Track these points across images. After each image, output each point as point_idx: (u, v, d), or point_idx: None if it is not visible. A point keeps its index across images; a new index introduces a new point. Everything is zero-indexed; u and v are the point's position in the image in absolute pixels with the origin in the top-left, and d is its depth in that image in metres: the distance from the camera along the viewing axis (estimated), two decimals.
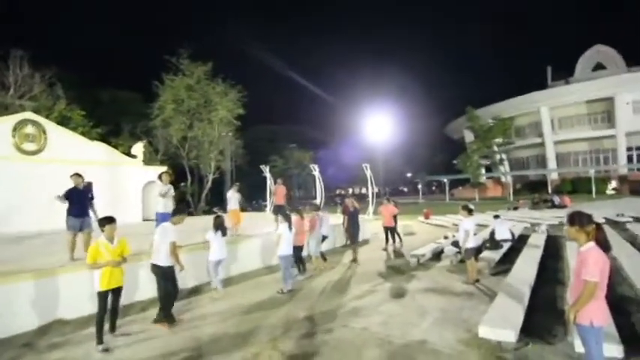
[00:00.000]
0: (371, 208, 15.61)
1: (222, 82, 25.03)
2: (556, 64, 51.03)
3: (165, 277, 4.89)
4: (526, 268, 6.83)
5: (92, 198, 6.73)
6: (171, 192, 7.27)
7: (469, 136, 45.97)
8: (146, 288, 5.99)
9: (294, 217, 7.29)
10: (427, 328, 4.63)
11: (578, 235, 2.77)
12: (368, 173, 16.21)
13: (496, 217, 10.89)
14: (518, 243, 10.02)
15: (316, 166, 17.99)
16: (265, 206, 21.28)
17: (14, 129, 12.65)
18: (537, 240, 10.04)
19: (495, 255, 8.34)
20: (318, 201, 16.53)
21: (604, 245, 2.70)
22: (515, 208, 22.95)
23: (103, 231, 4.47)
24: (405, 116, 59.48)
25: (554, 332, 4.36)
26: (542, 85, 48.39)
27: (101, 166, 14.51)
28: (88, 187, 6.69)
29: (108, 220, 4.51)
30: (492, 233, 9.85)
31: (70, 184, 6.62)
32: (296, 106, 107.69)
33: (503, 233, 9.81)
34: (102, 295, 4.33)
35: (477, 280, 6.72)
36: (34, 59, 21.33)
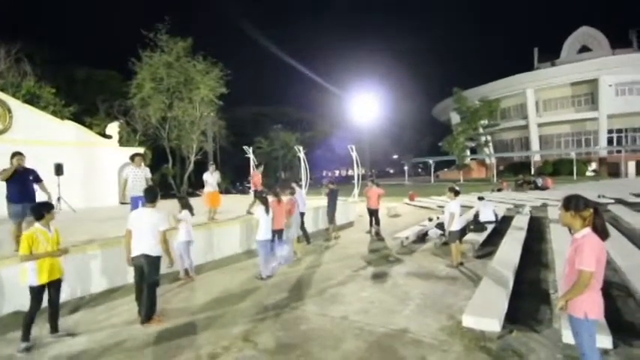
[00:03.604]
0: (356, 190, 15.38)
1: (203, 60, 23.97)
2: (543, 46, 51.11)
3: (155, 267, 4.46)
4: (510, 250, 6.72)
5: (37, 180, 5.89)
6: (141, 174, 6.80)
7: (455, 118, 45.90)
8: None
9: (271, 200, 6.89)
10: (409, 315, 4.43)
11: (574, 221, 2.53)
12: (354, 155, 15.91)
13: (480, 198, 10.81)
14: (502, 224, 9.98)
15: (301, 148, 17.56)
16: (249, 189, 20.84)
17: None
18: (521, 222, 10.00)
19: (479, 237, 8.24)
20: (303, 183, 16.19)
21: (602, 232, 2.46)
22: (499, 190, 23.13)
23: (38, 219, 3.95)
24: (392, 98, 59.10)
25: (540, 318, 4.22)
26: (529, 67, 48.46)
27: (73, 147, 13.77)
28: (28, 169, 5.84)
29: (47, 207, 4.05)
30: (476, 215, 9.77)
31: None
32: (282, 86, 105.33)
33: (487, 215, 9.74)
34: (38, 290, 3.85)
35: (461, 263, 6.58)
36: None
